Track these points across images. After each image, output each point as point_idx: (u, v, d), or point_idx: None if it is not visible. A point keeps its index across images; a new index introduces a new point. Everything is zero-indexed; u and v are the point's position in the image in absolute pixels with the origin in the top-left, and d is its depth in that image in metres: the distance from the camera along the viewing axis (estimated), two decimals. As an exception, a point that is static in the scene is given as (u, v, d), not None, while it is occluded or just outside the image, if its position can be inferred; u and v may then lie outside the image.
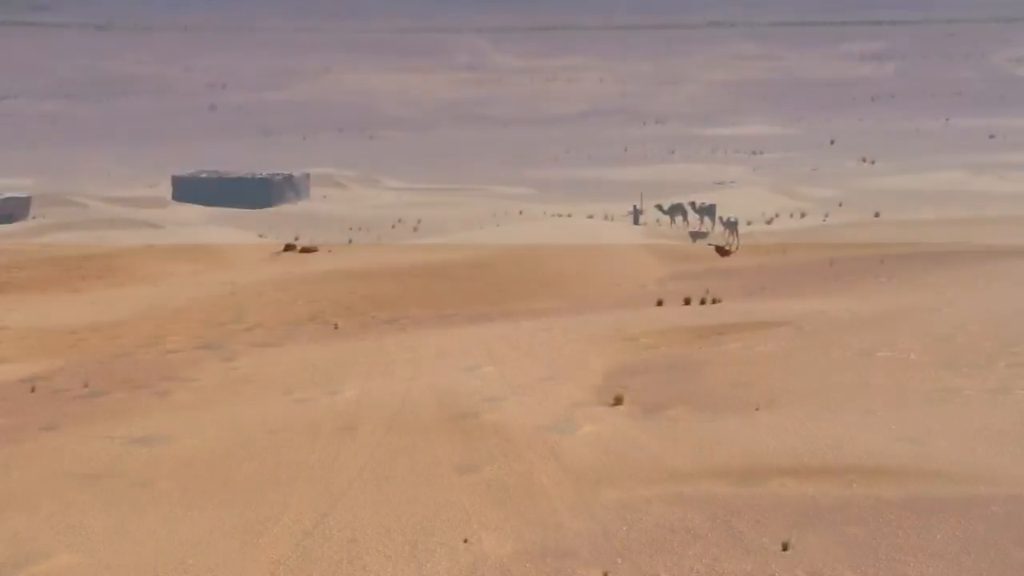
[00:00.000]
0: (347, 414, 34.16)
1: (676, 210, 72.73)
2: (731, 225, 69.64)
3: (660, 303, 55.28)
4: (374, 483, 30.84)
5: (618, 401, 39.05)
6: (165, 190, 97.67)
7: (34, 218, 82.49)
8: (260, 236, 76.06)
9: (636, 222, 74.06)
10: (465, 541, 28.83)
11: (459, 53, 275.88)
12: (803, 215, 79.45)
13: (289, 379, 43.48)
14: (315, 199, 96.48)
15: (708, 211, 71.38)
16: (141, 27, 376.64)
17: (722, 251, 69.33)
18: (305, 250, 69.41)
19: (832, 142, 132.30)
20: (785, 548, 26.58)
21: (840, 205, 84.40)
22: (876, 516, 28.45)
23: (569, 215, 79.35)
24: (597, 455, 33.45)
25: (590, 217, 76.26)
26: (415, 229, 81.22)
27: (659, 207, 73.87)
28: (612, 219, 76.62)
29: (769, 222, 76.46)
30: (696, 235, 68.10)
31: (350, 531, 28.91)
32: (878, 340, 42.89)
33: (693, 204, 72.54)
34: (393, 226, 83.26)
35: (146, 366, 47.92)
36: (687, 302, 54.84)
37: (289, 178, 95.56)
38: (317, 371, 44.05)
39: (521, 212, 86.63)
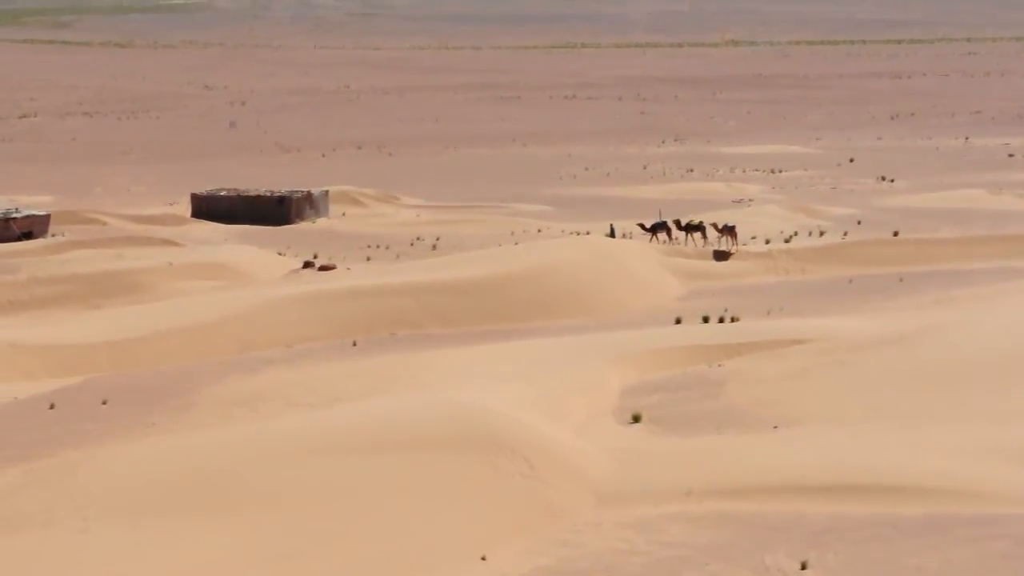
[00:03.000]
0: (365, 430, 34.18)
1: (659, 227, 73.25)
2: (728, 229, 70.06)
3: (678, 321, 55.23)
4: (394, 498, 30.83)
5: (636, 419, 39.05)
6: (184, 208, 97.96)
7: (53, 235, 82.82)
8: (279, 254, 76.23)
9: (611, 236, 74.55)
10: (483, 559, 28.81)
11: (480, 71, 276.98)
12: (822, 233, 79.28)
13: (307, 396, 43.49)
14: (334, 216, 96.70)
15: (698, 228, 71.85)
16: (161, 45, 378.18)
17: (720, 255, 69.56)
18: (324, 268, 69.59)
19: (851, 160, 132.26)
20: (804, 567, 26.53)
21: (859, 223, 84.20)
22: (895, 534, 28.35)
23: (587, 233, 79.29)
24: (615, 473, 33.39)
25: (609, 235, 76.16)
26: (434, 247, 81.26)
27: (641, 225, 74.32)
28: (630, 236, 76.53)
29: (788, 240, 76.31)
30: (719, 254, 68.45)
31: (367, 545, 28.90)
32: (897, 359, 42.79)
33: (678, 222, 73.13)
34: (412, 244, 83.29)
35: (164, 383, 47.99)
36: (705, 320, 54.79)
37: (308, 196, 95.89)
38: (334, 388, 44.07)
39: (540, 230, 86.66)
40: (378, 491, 31.14)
